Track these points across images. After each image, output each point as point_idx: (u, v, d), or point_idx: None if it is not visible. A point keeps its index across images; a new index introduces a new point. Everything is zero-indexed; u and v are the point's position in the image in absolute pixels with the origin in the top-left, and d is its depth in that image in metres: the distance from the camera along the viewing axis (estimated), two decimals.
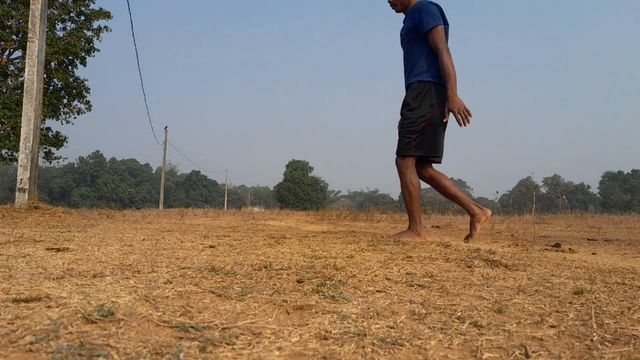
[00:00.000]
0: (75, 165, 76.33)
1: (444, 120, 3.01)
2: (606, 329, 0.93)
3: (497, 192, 23.34)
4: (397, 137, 3.16)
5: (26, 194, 6.41)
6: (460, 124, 2.94)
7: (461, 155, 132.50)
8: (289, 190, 54.83)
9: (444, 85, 3.00)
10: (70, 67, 17.57)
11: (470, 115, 2.93)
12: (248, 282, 1.32)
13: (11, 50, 17.24)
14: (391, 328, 0.89)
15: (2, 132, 16.29)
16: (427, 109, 3.01)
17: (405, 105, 3.13)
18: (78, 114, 18.25)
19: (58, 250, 1.90)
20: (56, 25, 17.13)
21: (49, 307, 0.93)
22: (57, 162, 18.99)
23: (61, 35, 17.17)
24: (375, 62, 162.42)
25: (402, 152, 3.08)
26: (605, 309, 1.11)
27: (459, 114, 2.91)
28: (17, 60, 17.60)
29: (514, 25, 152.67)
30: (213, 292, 1.15)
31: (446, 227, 7.66)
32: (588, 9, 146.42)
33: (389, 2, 3.35)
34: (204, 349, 0.74)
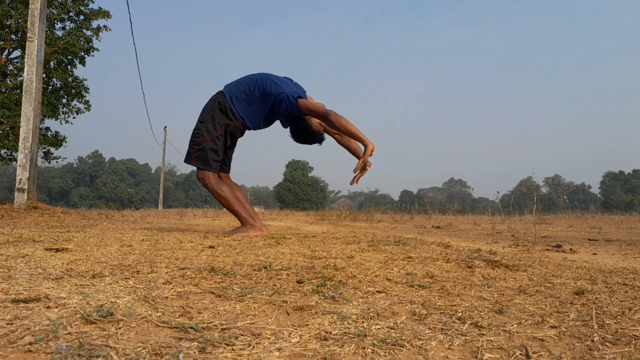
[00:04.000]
0: (75, 165, 76.31)
1: (354, 171, 3.19)
2: (607, 330, 0.93)
3: (497, 192, 23.36)
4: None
5: (25, 194, 6.40)
6: (359, 169, 3.09)
7: (461, 155, 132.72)
8: (288, 190, 54.82)
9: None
10: (69, 67, 17.57)
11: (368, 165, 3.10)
12: (248, 282, 1.32)
13: (10, 49, 17.23)
14: (391, 329, 0.89)
15: (1, 132, 16.28)
16: (214, 124, 3.29)
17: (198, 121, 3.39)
18: (77, 113, 18.24)
19: (57, 250, 1.90)
20: (55, 24, 17.12)
21: (48, 307, 0.92)
22: (56, 162, 18.99)
23: (60, 35, 17.17)
24: (375, 61, 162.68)
25: (186, 161, 3.39)
26: (606, 309, 1.11)
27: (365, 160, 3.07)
28: (16, 60, 17.59)
29: (515, 25, 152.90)
30: (212, 293, 1.15)
31: (447, 227, 7.66)
32: (589, 10, 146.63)
33: None
34: (203, 350, 0.73)
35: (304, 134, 3.24)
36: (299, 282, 1.34)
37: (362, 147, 3.08)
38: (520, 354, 0.77)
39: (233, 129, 3.27)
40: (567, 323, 0.97)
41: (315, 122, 3.24)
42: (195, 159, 3.27)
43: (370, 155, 3.01)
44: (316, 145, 3.33)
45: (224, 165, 3.44)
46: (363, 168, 3.04)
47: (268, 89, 3.17)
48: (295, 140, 3.33)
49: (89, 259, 1.68)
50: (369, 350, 0.77)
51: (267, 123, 3.36)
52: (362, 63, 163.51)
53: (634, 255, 2.71)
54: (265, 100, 3.19)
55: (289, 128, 3.30)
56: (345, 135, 3.07)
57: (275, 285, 1.29)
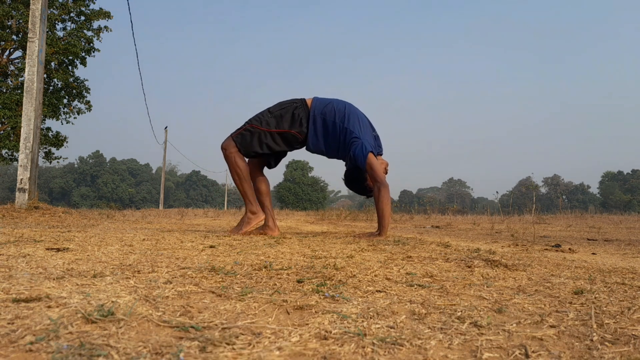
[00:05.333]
0: (76, 165, 76.31)
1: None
2: (606, 329, 0.93)
3: (497, 192, 23.35)
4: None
5: (26, 194, 6.41)
6: None
7: (461, 155, 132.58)
8: (289, 190, 54.80)
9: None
10: (70, 67, 17.58)
11: None
12: (248, 282, 1.32)
13: (11, 50, 17.24)
14: (391, 328, 0.89)
15: (2, 132, 16.30)
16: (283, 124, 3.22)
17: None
18: (78, 114, 18.26)
19: (58, 250, 1.90)
20: (56, 25, 17.14)
21: (49, 307, 0.93)
22: (57, 162, 19.02)
23: (61, 35, 17.18)
24: (374, 62, 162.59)
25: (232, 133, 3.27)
26: (605, 309, 1.11)
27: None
28: (17, 60, 17.61)
29: (515, 25, 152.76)
30: (213, 292, 1.15)
31: (446, 227, 7.66)
32: (590, 9, 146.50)
33: None
34: (204, 349, 0.74)
35: (357, 183, 3.33)
36: (299, 281, 1.35)
37: (379, 229, 3.18)
38: (519, 354, 0.78)
39: (291, 138, 3.22)
40: (566, 322, 0.98)
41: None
42: (239, 134, 3.20)
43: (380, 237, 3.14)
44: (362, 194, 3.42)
45: (266, 161, 3.38)
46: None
47: (348, 125, 3.19)
48: (345, 181, 3.40)
49: (89, 258, 1.68)
50: (369, 349, 0.77)
51: (327, 153, 3.34)
52: (362, 63, 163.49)
53: (633, 255, 2.71)
54: (339, 133, 3.21)
55: (345, 172, 3.37)
56: (376, 207, 3.15)
57: (276, 284, 1.29)
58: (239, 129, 3.23)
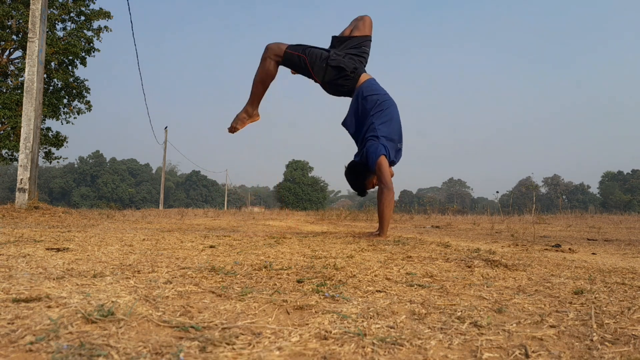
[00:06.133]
0: (76, 165, 76.31)
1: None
2: (606, 329, 0.93)
3: (497, 192, 23.41)
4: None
5: (26, 194, 6.40)
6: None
7: (461, 155, 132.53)
8: (289, 190, 54.79)
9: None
10: (70, 67, 17.57)
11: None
12: (248, 282, 1.32)
13: (11, 50, 17.23)
14: (391, 328, 0.89)
15: (2, 132, 16.30)
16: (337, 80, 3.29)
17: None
18: (78, 114, 18.25)
19: (58, 250, 1.90)
20: (56, 25, 17.13)
21: (49, 307, 0.93)
22: (57, 162, 19.00)
23: (61, 35, 17.18)
24: (374, 62, 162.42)
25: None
26: (605, 309, 1.11)
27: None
28: (17, 60, 17.60)
29: (515, 25, 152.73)
30: (213, 292, 1.15)
31: (446, 227, 7.65)
32: (590, 9, 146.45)
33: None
34: (204, 349, 0.74)
35: (356, 178, 3.35)
36: (299, 281, 1.34)
37: (379, 229, 3.19)
38: (519, 354, 0.78)
39: (324, 84, 3.32)
40: (566, 322, 0.98)
41: (373, 180, 3.32)
42: (293, 53, 3.28)
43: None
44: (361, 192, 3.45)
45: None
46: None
47: (375, 122, 3.22)
48: (346, 171, 3.41)
49: (89, 258, 1.68)
50: (369, 349, 0.77)
51: (352, 135, 3.39)
52: None
53: (633, 255, 2.71)
54: (367, 125, 3.25)
55: (350, 162, 3.39)
56: (378, 208, 3.17)
57: (276, 284, 1.29)
58: (296, 50, 3.27)
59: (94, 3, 17.59)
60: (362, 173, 3.30)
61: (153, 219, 7.15)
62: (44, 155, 18.12)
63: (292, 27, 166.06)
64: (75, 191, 71.12)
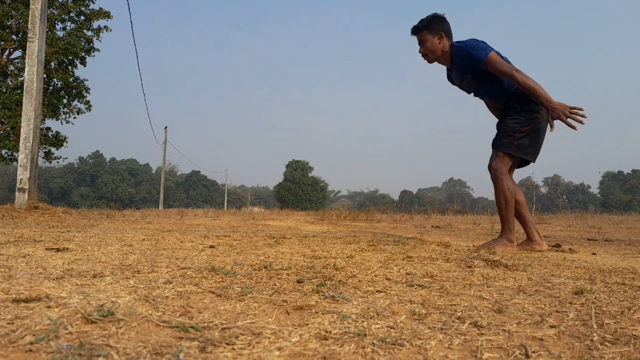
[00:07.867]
0: (75, 165, 76.34)
1: (552, 131, 2.82)
2: (606, 329, 0.93)
3: None
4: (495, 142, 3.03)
5: (26, 194, 6.40)
6: (574, 127, 2.71)
7: (461, 155, 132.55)
8: (289, 190, 54.82)
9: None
10: (70, 67, 17.56)
11: (581, 110, 2.72)
12: (248, 282, 1.32)
13: (11, 50, 17.23)
14: (391, 328, 0.89)
15: (2, 132, 16.29)
16: (533, 113, 2.90)
17: (510, 109, 3.01)
18: (78, 114, 18.24)
19: (58, 250, 1.90)
20: (56, 25, 17.12)
21: (48, 307, 0.93)
22: (57, 162, 18.99)
23: (61, 35, 17.17)
24: (374, 63, 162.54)
25: (502, 149, 2.92)
26: (605, 309, 1.11)
27: (567, 118, 2.70)
28: (17, 60, 17.59)
29: (515, 25, 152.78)
30: (213, 292, 1.15)
31: (446, 227, 7.66)
32: (590, 9, 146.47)
33: (420, 52, 3.10)
34: (204, 349, 0.74)
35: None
36: (299, 281, 1.34)
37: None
38: (519, 354, 0.78)
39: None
40: (567, 322, 0.98)
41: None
42: (516, 147, 2.87)
43: (564, 118, 2.71)
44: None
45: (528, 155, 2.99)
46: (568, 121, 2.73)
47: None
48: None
49: (89, 258, 1.68)
50: (369, 349, 0.77)
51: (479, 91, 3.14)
52: (362, 63, 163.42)
53: (633, 255, 2.71)
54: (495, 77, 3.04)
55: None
56: (523, 89, 2.93)
57: (276, 284, 1.29)
58: (507, 143, 2.90)
59: (94, 3, 17.59)
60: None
61: (153, 219, 7.15)
62: (43, 155, 18.12)
63: (293, 26, 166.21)
64: (75, 191, 71.13)
